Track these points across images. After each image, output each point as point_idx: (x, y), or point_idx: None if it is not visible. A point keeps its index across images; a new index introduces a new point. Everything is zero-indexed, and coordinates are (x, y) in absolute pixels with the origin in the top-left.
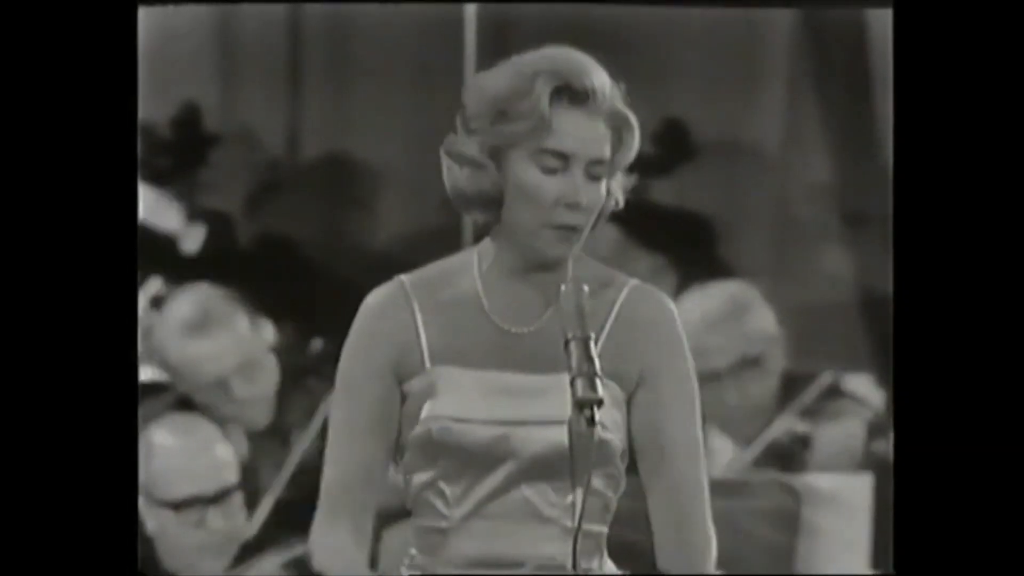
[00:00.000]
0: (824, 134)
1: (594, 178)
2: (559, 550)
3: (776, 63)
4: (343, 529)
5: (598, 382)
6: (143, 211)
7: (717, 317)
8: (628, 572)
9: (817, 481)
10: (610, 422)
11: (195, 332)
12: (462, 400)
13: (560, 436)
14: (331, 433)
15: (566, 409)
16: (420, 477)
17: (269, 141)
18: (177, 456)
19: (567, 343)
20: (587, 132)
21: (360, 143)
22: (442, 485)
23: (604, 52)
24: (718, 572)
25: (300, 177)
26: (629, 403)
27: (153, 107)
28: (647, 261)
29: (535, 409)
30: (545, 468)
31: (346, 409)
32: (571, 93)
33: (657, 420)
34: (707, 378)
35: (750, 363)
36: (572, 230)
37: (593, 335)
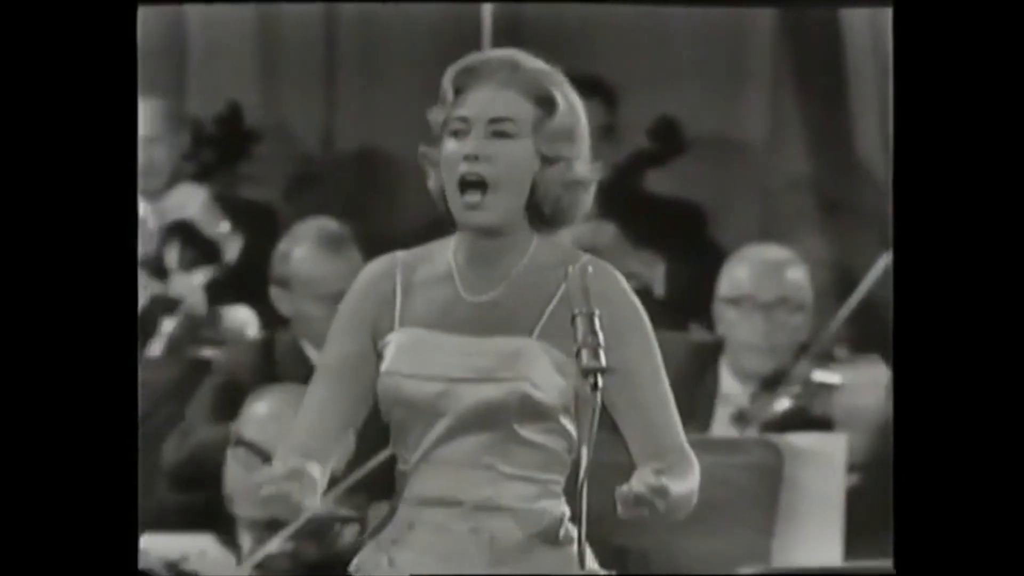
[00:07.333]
0: (804, 128)
1: (500, 135)
2: (494, 492)
3: (759, 64)
4: (296, 447)
5: (601, 352)
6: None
7: (762, 267)
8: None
9: (797, 440)
10: (545, 383)
11: (323, 250)
12: (414, 357)
13: (491, 393)
14: (312, 378)
15: (502, 368)
16: (392, 427)
17: (305, 136)
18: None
19: (573, 318)
20: (487, 97)
21: (390, 137)
22: (403, 433)
23: (607, 53)
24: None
25: (334, 169)
26: None
27: (200, 105)
28: (643, 244)
29: (474, 367)
30: (479, 420)
31: (324, 357)
32: (475, 71)
33: (623, 375)
34: (754, 308)
35: (792, 306)
36: (477, 185)
37: (598, 311)
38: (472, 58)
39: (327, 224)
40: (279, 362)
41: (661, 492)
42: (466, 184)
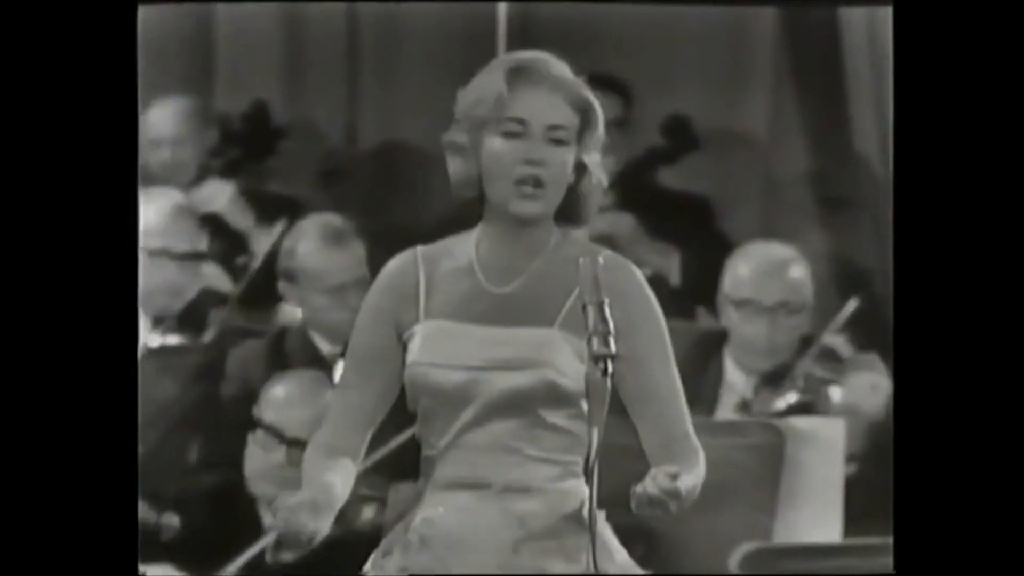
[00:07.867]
0: (804, 125)
1: (556, 142)
2: (522, 474)
3: (763, 63)
4: (322, 444)
5: (611, 339)
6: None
7: (764, 267)
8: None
9: (798, 422)
10: (569, 371)
11: (327, 244)
12: (441, 347)
13: (519, 380)
14: (338, 377)
15: (529, 356)
16: (419, 414)
17: (329, 132)
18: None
19: (584, 307)
20: (543, 102)
21: (411, 132)
22: (430, 420)
23: (616, 51)
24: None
25: (358, 164)
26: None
27: (227, 102)
28: (658, 235)
29: (499, 356)
30: (507, 406)
31: (349, 353)
32: (527, 73)
33: (635, 364)
34: (757, 312)
35: (793, 308)
36: (534, 183)
37: (607, 300)
38: (517, 59)
39: (330, 219)
40: (289, 353)
41: (674, 495)
42: (522, 181)
